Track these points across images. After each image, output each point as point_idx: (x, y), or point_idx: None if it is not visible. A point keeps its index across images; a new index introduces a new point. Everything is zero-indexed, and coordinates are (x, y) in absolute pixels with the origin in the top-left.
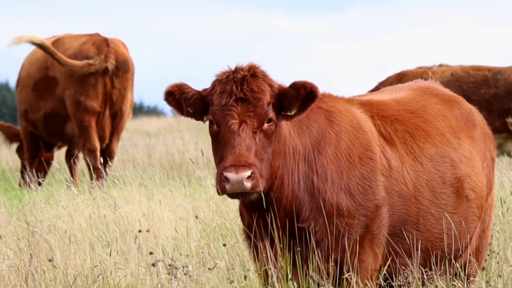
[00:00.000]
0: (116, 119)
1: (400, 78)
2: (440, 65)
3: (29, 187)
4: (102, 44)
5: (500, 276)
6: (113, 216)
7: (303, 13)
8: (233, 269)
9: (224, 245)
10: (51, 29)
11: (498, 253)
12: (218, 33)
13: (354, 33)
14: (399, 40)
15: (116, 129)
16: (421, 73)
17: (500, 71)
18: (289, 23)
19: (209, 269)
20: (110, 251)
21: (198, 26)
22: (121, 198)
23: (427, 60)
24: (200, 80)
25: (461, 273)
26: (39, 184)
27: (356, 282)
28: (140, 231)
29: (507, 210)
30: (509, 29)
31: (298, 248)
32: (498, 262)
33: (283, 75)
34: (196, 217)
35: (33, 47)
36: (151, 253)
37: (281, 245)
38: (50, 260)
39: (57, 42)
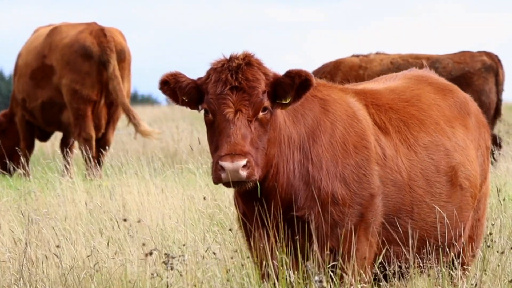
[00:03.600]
0: (112, 108)
1: (337, 66)
2: (377, 53)
3: (25, 176)
4: (99, 34)
5: (487, 263)
6: (108, 205)
7: (296, 1)
8: (231, 258)
9: (230, 230)
10: (43, 17)
11: (494, 241)
12: (210, 22)
13: (347, 22)
14: (392, 29)
15: (112, 119)
16: (358, 60)
17: (439, 59)
18: (282, 12)
19: (213, 253)
20: (108, 241)
21: (191, 15)
22: (117, 187)
23: (421, 48)
24: (193, 69)
25: (455, 262)
26: (9, 171)
27: (351, 270)
28: (125, 220)
29: (504, 199)
30: (500, 16)
31: (296, 237)
32: (489, 246)
33: (275, 64)
34: (204, 198)
35: (29, 35)
36: (143, 244)
37: (274, 235)
38: (45, 256)
39: (54, 30)
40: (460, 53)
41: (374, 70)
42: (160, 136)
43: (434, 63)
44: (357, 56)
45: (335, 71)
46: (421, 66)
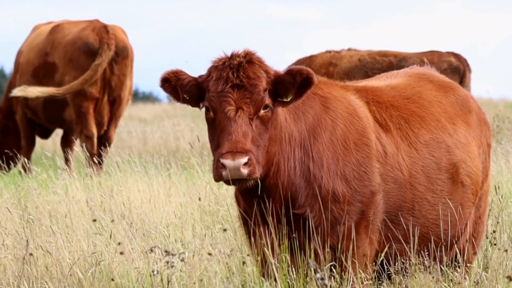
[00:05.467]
0: (115, 105)
1: (309, 64)
2: (349, 49)
3: (25, 173)
4: (101, 31)
5: (488, 261)
6: (110, 202)
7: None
8: (228, 256)
9: (225, 230)
10: (44, 15)
11: (494, 238)
12: (211, 20)
13: (346, 20)
14: (391, 27)
15: (114, 116)
16: (329, 57)
17: (405, 57)
18: (281, 10)
19: (209, 254)
20: (109, 238)
21: (190, 13)
22: (118, 185)
23: (420, 47)
24: (194, 67)
25: (459, 259)
26: (9, 168)
27: (352, 267)
28: (131, 223)
29: (502, 197)
30: (499, 15)
31: (294, 235)
32: (492, 245)
33: (275, 62)
34: (199, 199)
35: (28, 33)
36: (119, 243)
37: (275, 233)
38: (47, 251)
39: (56, 28)
40: (429, 52)
41: (343, 67)
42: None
43: (400, 61)
44: (329, 52)
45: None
46: (422, 64)
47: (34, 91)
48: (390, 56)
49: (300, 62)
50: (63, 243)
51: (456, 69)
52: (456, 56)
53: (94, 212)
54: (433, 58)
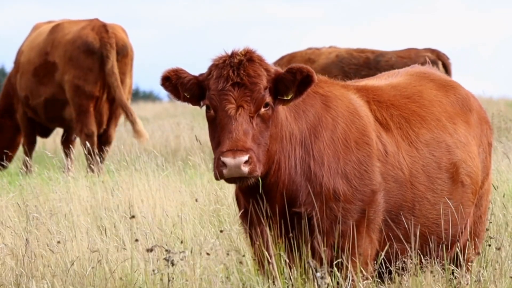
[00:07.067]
0: (114, 104)
1: (290, 60)
2: (330, 47)
3: (26, 172)
4: (101, 30)
5: (489, 260)
6: (110, 201)
7: None
8: (227, 254)
9: (221, 231)
10: (44, 14)
11: (491, 237)
12: (211, 19)
13: (347, 19)
14: (391, 26)
15: (114, 114)
16: (309, 54)
17: (382, 53)
18: (282, 9)
19: (207, 254)
20: (109, 237)
21: (190, 12)
22: (119, 183)
23: (421, 45)
24: (194, 65)
25: (460, 258)
26: (3, 167)
27: (353, 266)
28: (133, 216)
29: (504, 196)
30: (500, 15)
31: (291, 234)
32: (490, 245)
33: (275, 60)
34: (196, 200)
35: (29, 32)
36: (136, 240)
37: (275, 231)
38: (49, 251)
39: (56, 27)
40: (406, 49)
41: (320, 63)
42: (146, 141)
43: (377, 56)
44: (310, 49)
45: (288, 65)
46: (423, 63)
47: (140, 126)
48: (368, 52)
49: (282, 59)
50: (64, 241)
51: (433, 63)
52: (434, 51)
53: (94, 210)
54: (410, 54)
